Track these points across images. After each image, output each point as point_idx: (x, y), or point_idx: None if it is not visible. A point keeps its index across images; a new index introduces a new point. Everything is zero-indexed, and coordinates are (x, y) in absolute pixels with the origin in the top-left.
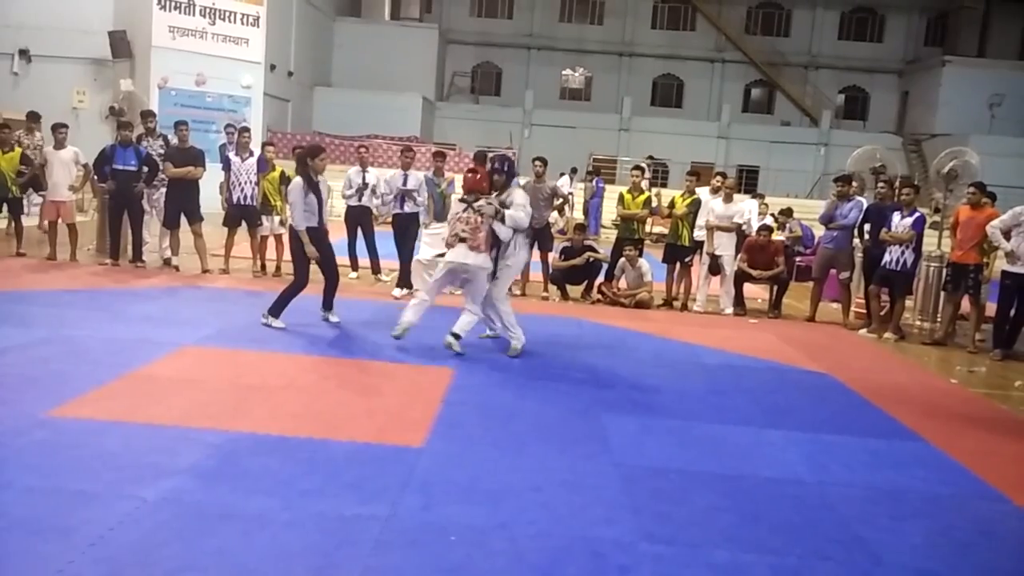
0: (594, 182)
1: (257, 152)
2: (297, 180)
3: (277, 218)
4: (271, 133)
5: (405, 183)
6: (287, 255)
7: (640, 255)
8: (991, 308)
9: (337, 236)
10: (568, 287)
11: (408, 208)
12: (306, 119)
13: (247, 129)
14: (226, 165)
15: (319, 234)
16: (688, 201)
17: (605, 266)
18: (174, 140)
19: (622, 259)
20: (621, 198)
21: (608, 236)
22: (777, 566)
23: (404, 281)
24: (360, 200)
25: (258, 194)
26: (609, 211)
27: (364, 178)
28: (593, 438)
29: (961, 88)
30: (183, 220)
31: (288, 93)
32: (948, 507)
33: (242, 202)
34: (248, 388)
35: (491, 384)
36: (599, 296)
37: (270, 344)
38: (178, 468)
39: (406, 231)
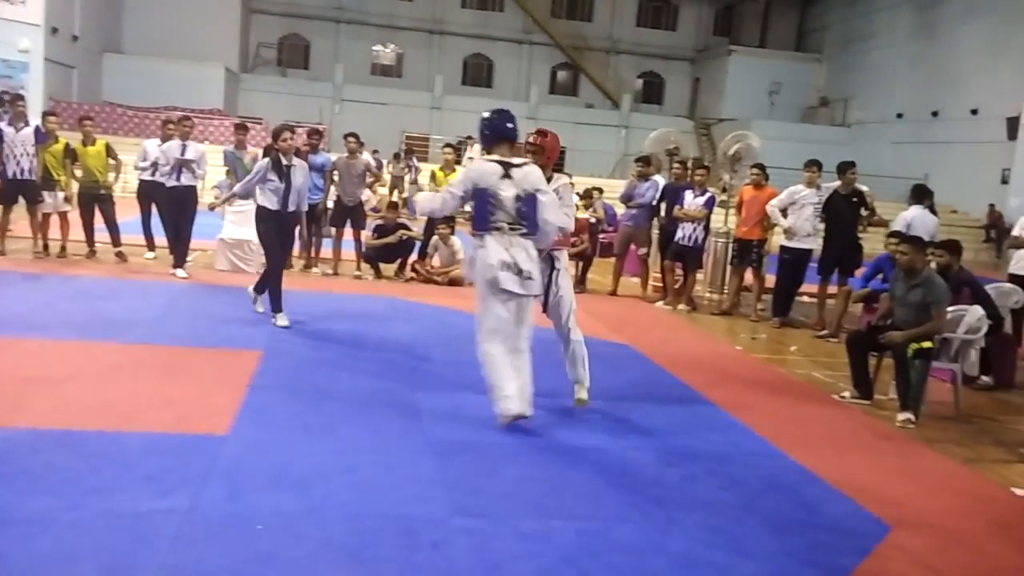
0: (411, 161)
1: (34, 122)
2: (263, 161)
3: (61, 194)
4: (53, 102)
5: (183, 153)
6: (73, 234)
7: (452, 233)
8: (771, 280)
9: (135, 213)
10: (381, 265)
11: (185, 180)
12: (94, 88)
13: (20, 97)
14: None
15: (281, 219)
16: None
17: (418, 244)
18: None
19: (435, 237)
20: (433, 176)
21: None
22: (582, 531)
23: (181, 260)
24: (179, 179)
25: (37, 167)
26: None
27: (184, 152)
28: (406, 416)
29: (745, 76)
30: None
31: (73, 59)
32: (734, 465)
33: (18, 176)
34: (27, 380)
35: (301, 366)
36: (412, 274)
37: (54, 331)
38: None
39: (183, 205)
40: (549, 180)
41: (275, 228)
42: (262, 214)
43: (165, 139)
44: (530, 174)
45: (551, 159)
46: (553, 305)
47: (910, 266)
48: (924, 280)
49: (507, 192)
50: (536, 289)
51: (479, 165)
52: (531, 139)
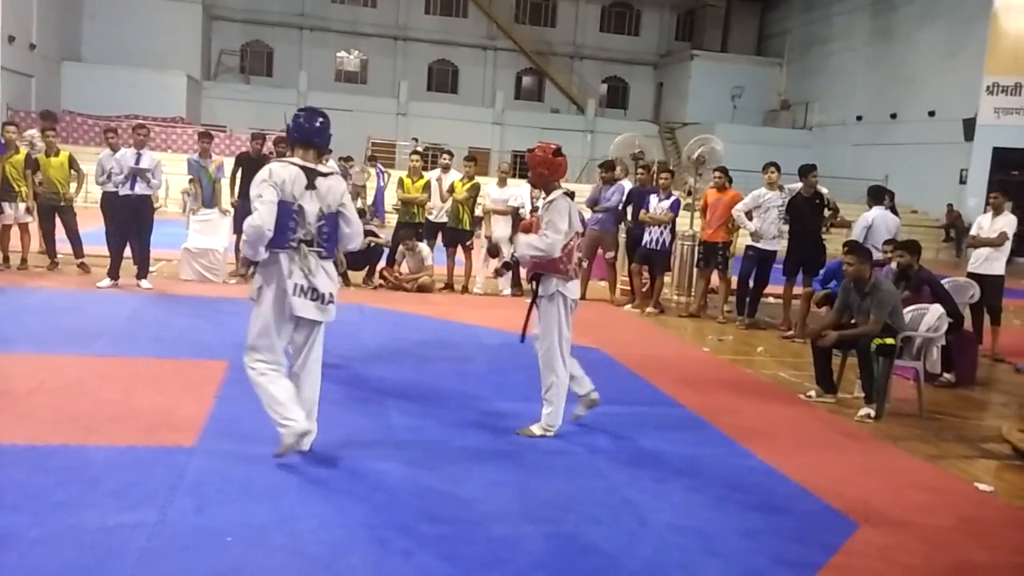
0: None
1: None
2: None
3: (23, 205)
4: (12, 112)
5: (138, 162)
6: (34, 246)
7: (420, 239)
8: (737, 281)
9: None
10: (349, 273)
11: (140, 189)
12: (53, 97)
13: None
14: None
15: None
16: (468, 186)
17: (386, 251)
18: None
19: (402, 244)
20: (401, 182)
21: (389, 220)
22: (552, 534)
23: (144, 270)
24: (133, 188)
25: None
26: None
27: (139, 160)
28: (376, 424)
29: (707, 80)
30: None
31: (31, 68)
32: (703, 466)
33: None
34: None
35: None
36: (381, 281)
37: (15, 344)
38: None
39: (138, 214)
40: (545, 198)
41: None
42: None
43: (111, 148)
44: (334, 188)
45: (542, 174)
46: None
47: (858, 276)
48: (872, 287)
49: (310, 206)
50: (332, 315)
51: (284, 169)
52: (526, 157)
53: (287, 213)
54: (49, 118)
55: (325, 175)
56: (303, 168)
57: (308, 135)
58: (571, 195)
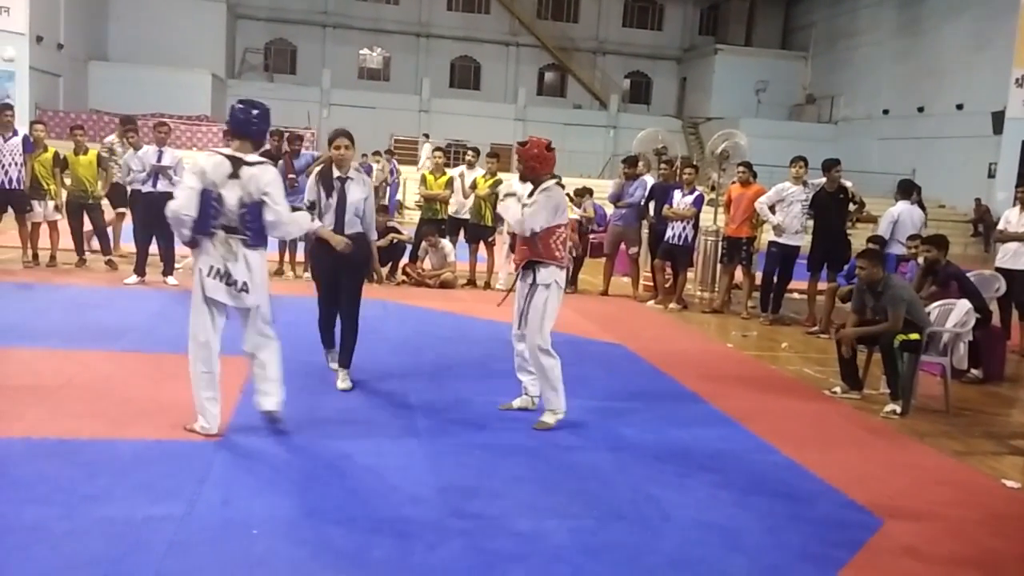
0: (391, 164)
1: (22, 131)
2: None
3: (51, 203)
4: (41, 111)
5: (160, 159)
6: (63, 243)
7: (444, 235)
8: (761, 277)
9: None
10: None
11: (161, 187)
12: (81, 96)
13: (8, 106)
14: None
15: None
16: (490, 182)
17: (409, 247)
18: None
19: (425, 240)
20: (424, 179)
21: (412, 217)
22: (576, 529)
23: (170, 267)
24: (155, 186)
25: (25, 177)
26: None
27: (160, 158)
28: (399, 419)
29: (731, 75)
30: None
31: (59, 67)
32: (727, 462)
33: (6, 186)
34: (19, 389)
35: (294, 370)
36: (404, 277)
37: (45, 340)
38: None
39: (161, 212)
40: (536, 189)
41: (326, 257)
42: (312, 241)
43: (131, 144)
44: (260, 176)
45: (534, 167)
46: (524, 317)
47: (871, 280)
48: (884, 286)
49: (230, 193)
50: (250, 302)
51: (210, 158)
52: (515, 148)
53: (207, 200)
54: (129, 123)
55: (251, 164)
56: (229, 157)
57: (240, 126)
58: (562, 186)
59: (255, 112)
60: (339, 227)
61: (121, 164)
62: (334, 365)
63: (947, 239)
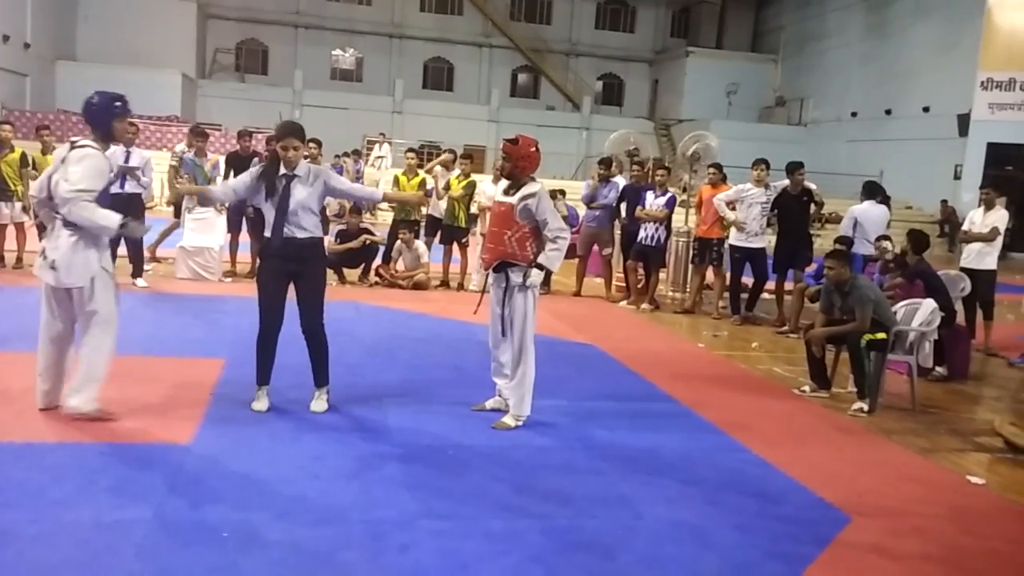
0: (358, 165)
1: None
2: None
3: (18, 204)
4: (7, 111)
5: (127, 160)
6: (30, 245)
7: (416, 237)
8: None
9: None
10: (345, 271)
11: (129, 188)
12: (48, 96)
13: None
14: None
15: (278, 253)
16: (464, 183)
17: (382, 248)
18: None
19: (398, 241)
20: (396, 180)
21: (384, 218)
22: (548, 529)
23: (139, 269)
24: (123, 187)
25: None
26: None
27: (128, 159)
28: (371, 420)
29: (703, 77)
30: None
31: (25, 67)
32: (697, 460)
33: None
34: None
35: None
36: (377, 279)
37: (11, 343)
38: None
39: (127, 213)
40: (521, 188)
41: (272, 268)
42: (262, 244)
43: (199, 154)
44: (71, 156)
45: (523, 167)
46: (510, 324)
47: (838, 280)
48: (851, 287)
49: (58, 176)
50: (63, 281)
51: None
52: (503, 145)
53: (48, 183)
54: (200, 134)
55: (79, 147)
56: (70, 143)
57: (85, 114)
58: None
59: (94, 101)
60: (278, 232)
61: (185, 176)
62: (260, 406)
63: (928, 240)
